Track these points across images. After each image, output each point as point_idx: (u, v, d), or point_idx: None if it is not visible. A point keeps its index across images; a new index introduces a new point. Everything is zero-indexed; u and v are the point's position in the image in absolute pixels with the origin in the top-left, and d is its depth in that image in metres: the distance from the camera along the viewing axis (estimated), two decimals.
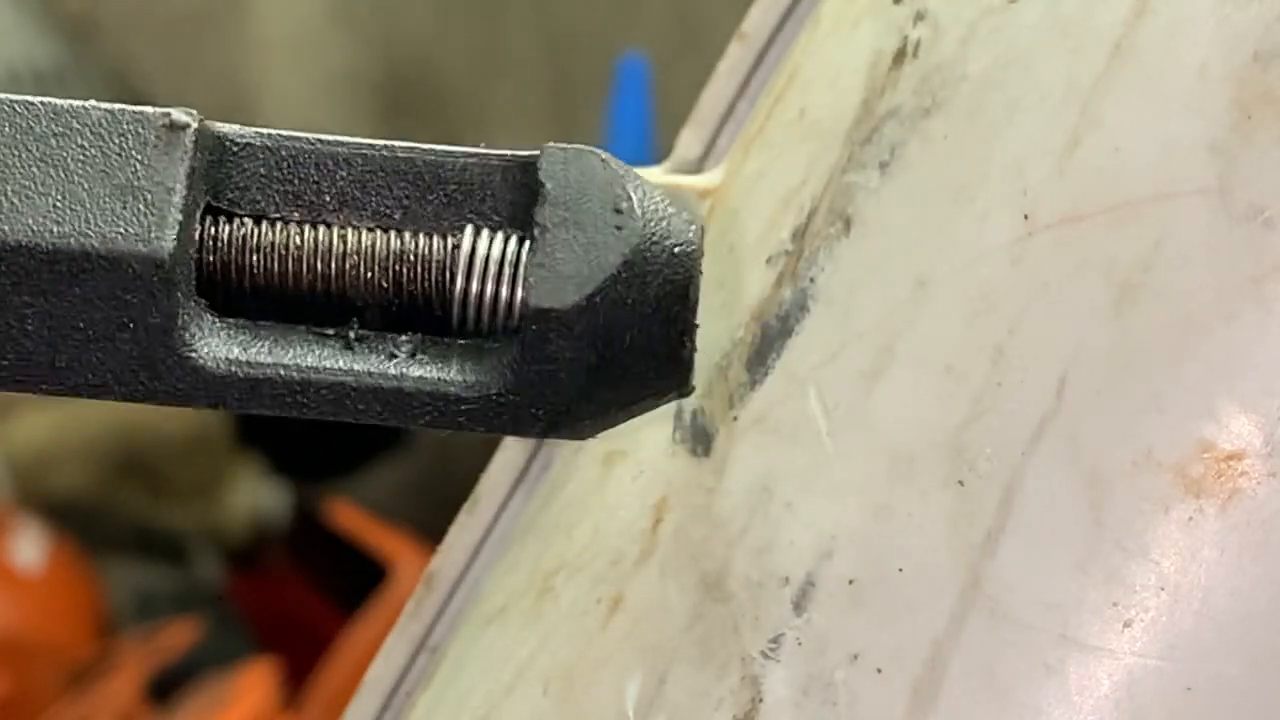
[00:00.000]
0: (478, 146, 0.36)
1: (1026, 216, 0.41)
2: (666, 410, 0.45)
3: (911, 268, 0.42)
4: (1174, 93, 0.40)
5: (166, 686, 1.71)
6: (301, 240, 0.35)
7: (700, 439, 0.44)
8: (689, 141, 0.50)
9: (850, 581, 0.41)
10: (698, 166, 0.50)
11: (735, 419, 0.44)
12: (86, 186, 0.34)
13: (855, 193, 0.43)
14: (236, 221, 0.35)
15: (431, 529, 0.56)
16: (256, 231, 0.35)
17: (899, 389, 0.41)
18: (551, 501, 0.48)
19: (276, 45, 2.53)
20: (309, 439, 1.95)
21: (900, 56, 0.44)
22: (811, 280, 0.43)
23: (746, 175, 0.47)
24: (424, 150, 0.36)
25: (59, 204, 0.34)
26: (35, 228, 0.34)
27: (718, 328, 0.45)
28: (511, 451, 0.49)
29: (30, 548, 1.86)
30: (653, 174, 0.49)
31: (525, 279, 0.34)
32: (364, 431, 1.74)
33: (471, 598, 0.50)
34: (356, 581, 1.82)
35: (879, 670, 0.40)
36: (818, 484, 0.42)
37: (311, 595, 2.00)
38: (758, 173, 0.47)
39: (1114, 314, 0.39)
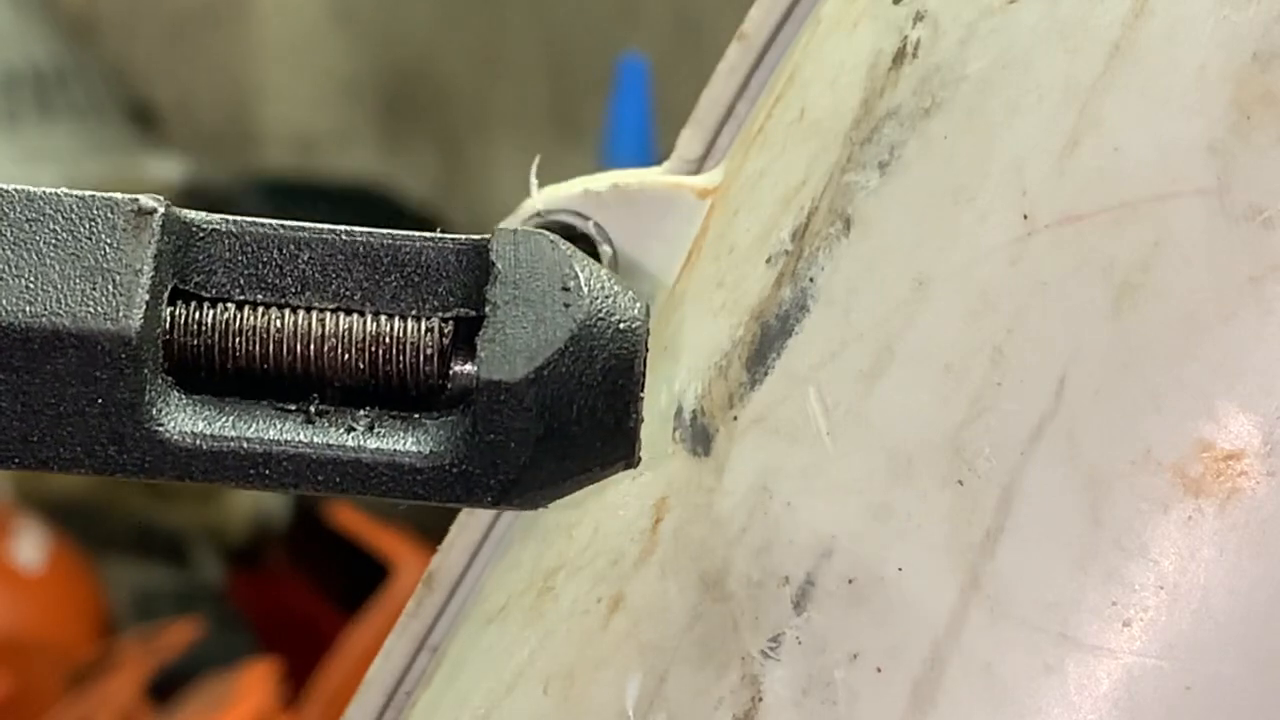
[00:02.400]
0: (434, 231, 0.38)
1: (1026, 216, 0.41)
2: (666, 410, 0.45)
3: (911, 268, 0.42)
4: (1173, 93, 0.40)
5: (166, 686, 1.71)
6: (264, 322, 0.36)
7: (700, 439, 0.44)
8: (689, 141, 0.50)
9: (850, 581, 0.41)
10: (698, 166, 0.50)
11: (735, 419, 0.44)
12: (58, 269, 0.35)
13: (855, 193, 0.44)
14: (202, 303, 0.36)
15: (431, 529, 0.56)
16: (221, 313, 0.36)
17: (898, 389, 0.41)
18: None
19: (277, 46, 2.54)
20: None
21: (900, 57, 0.44)
22: (811, 280, 0.43)
23: (747, 175, 0.47)
24: (381, 235, 0.37)
25: (31, 285, 0.35)
26: (9, 308, 0.35)
27: (718, 327, 0.45)
28: None
29: (30, 548, 1.86)
30: (653, 174, 0.49)
31: (477, 354, 0.35)
32: None
33: (472, 597, 0.50)
34: (356, 581, 1.82)
35: (879, 669, 0.40)
36: (818, 484, 0.42)
37: (311, 595, 2.00)
38: (758, 172, 0.47)
39: (1113, 314, 0.40)
